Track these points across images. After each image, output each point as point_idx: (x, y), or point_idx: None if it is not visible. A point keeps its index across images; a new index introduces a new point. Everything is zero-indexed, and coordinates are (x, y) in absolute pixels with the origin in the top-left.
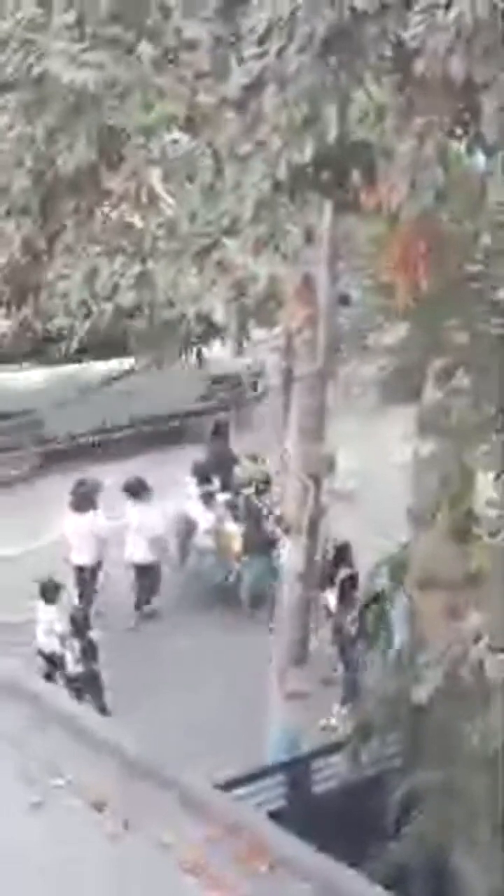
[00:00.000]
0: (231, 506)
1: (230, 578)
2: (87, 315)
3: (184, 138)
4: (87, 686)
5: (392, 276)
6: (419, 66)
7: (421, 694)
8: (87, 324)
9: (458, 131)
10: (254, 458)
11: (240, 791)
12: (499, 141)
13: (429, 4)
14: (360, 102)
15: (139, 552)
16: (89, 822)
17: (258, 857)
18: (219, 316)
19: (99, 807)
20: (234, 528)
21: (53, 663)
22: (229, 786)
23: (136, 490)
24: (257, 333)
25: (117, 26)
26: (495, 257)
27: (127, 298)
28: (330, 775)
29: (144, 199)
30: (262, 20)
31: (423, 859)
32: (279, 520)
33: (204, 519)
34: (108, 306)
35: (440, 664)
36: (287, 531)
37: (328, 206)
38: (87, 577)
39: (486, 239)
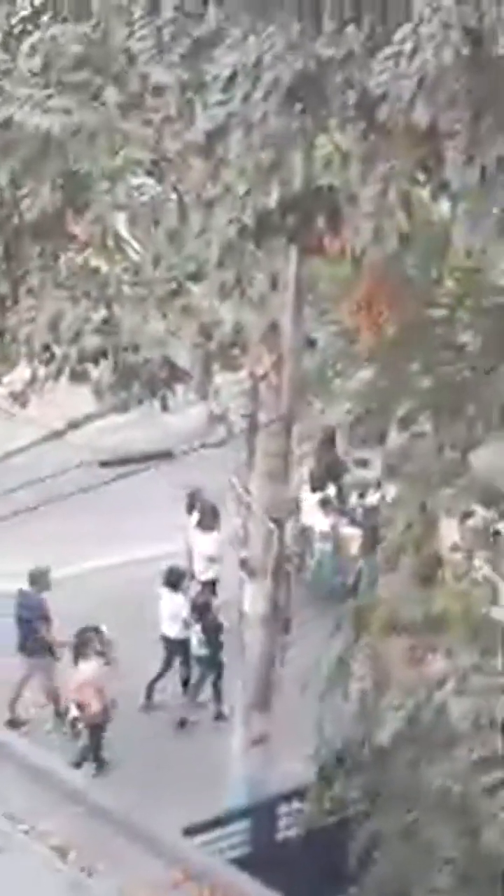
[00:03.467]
0: (345, 511)
1: (350, 580)
2: (51, 359)
3: (149, 183)
4: (208, 669)
5: (356, 321)
6: (383, 112)
7: (383, 737)
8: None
9: (422, 177)
10: (363, 464)
11: (203, 837)
12: (461, 187)
13: (393, 52)
14: (325, 148)
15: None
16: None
17: None
18: (183, 361)
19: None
20: (351, 531)
21: (176, 648)
22: (192, 832)
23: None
24: (221, 378)
25: (83, 72)
26: (458, 302)
27: (91, 343)
28: (293, 822)
29: (110, 243)
30: (227, 66)
31: None
32: (242, 565)
33: (321, 524)
34: (72, 350)
35: (403, 708)
36: (251, 574)
37: (293, 251)
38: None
39: (449, 283)
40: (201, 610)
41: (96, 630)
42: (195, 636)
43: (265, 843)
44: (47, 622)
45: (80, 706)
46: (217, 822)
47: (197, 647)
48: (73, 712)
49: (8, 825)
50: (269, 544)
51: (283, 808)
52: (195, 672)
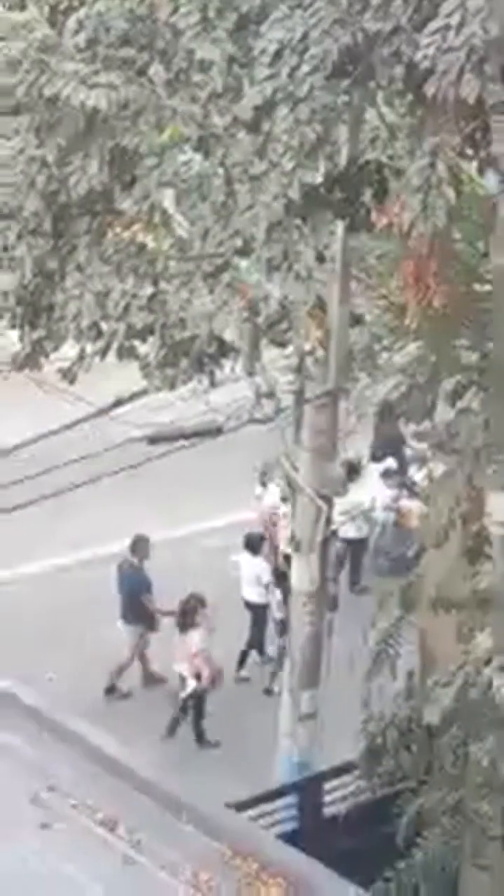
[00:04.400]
0: (405, 484)
1: (411, 552)
2: (99, 335)
3: (196, 159)
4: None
5: (403, 296)
6: (430, 86)
7: (433, 715)
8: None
9: (470, 152)
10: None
11: (251, 812)
12: None
13: (440, 26)
14: (372, 123)
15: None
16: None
17: (270, 878)
18: (230, 336)
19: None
20: (412, 504)
21: (259, 613)
22: (240, 807)
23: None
24: (269, 353)
25: (129, 48)
26: None
27: (138, 319)
28: (340, 798)
29: (157, 219)
30: (274, 41)
31: (434, 880)
32: (290, 540)
33: (383, 496)
34: (120, 326)
35: (451, 685)
36: (298, 550)
37: (340, 226)
38: None
39: (497, 258)
40: (284, 574)
41: (200, 599)
42: (274, 600)
43: (313, 818)
44: (148, 591)
45: (196, 676)
46: (265, 798)
47: (276, 611)
48: (191, 683)
49: (56, 799)
50: (317, 520)
51: (330, 784)
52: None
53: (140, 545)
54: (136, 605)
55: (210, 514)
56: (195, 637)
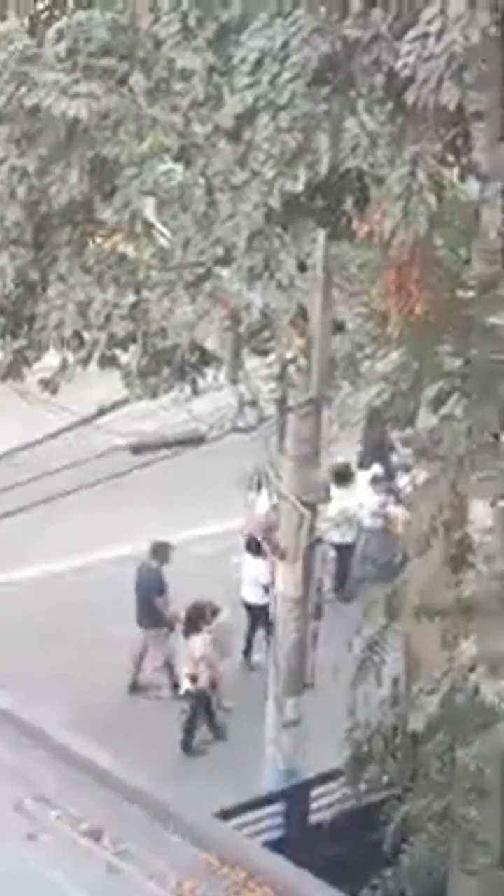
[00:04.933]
0: (392, 490)
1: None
2: (81, 345)
3: (177, 168)
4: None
5: (385, 303)
6: (411, 94)
7: (418, 721)
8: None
9: (451, 158)
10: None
11: (237, 820)
12: (491, 168)
13: (420, 34)
14: (353, 131)
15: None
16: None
17: (257, 887)
18: (212, 345)
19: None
20: (399, 511)
21: (258, 614)
22: (226, 815)
23: (343, 475)
24: (251, 362)
25: (109, 57)
26: (487, 283)
27: (120, 328)
28: (327, 805)
29: (138, 229)
30: (254, 50)
31: (421, 887)
32: (274, 549)
33: (370, 502)
34: (102, 336)
35: (436, 692)
36: (283, 558)
37: (321, 234)
38: None
39: (478, 265)
40: None
41: (207, 606)
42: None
43: (299, 826)
44: (162, 595)
45: (192, 679)
46: (251, 806)
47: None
48: (186, 685)
49: (40, 809)
50: (301, 528)
51: (316, 791)
52: None
53: (161, 549)
54: (153, 609)
55: (199, 522)
56: (198, 642)
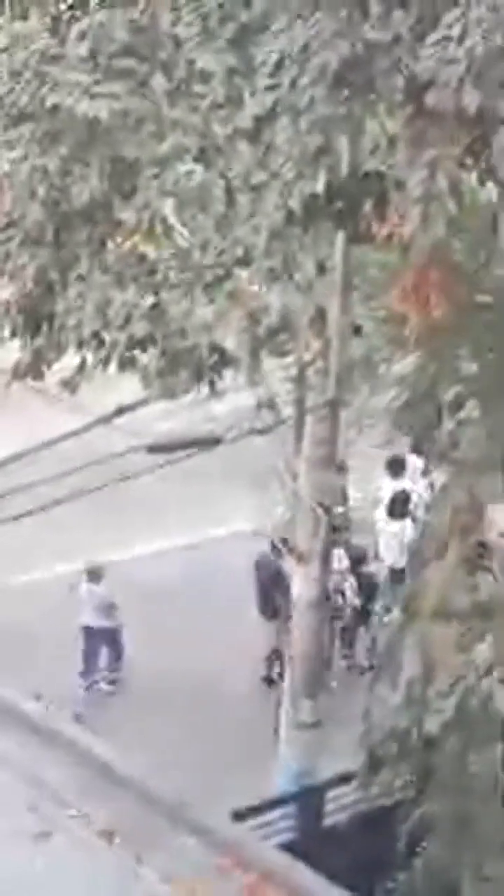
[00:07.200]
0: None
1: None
2: (100, 345)
3: (197, 169)
4: (360, 620)
5: (404, 307)
6: (431, 97)
7: (433, 725)
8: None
9: (470, 162)
10: None
11: (251, 822)
12: None
13: (441, 37)
14: (373, 133)
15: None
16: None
17: (270, 889)
18: (231, 346)
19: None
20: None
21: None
22: (239, 817)
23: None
24: (269, 363)
25: (130, 58)
26: None
27: (139, 328)
28: (341, 806)
29: (157, 229)
30: (274, 51)
31: (435, 890)
32: (291, 550)
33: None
34: (121, 336)
35: (452, 695)
36: (299, 560)
37: (340, 237)
38: None
39: (497, 269)
40: (357, 561)
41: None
42: (349, 588)
43: (313, 828)
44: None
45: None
46: (264, 807)
47: (351, 598)
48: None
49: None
50: (317, 530)
51: (330, 794)
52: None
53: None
54: (271, 599)
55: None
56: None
